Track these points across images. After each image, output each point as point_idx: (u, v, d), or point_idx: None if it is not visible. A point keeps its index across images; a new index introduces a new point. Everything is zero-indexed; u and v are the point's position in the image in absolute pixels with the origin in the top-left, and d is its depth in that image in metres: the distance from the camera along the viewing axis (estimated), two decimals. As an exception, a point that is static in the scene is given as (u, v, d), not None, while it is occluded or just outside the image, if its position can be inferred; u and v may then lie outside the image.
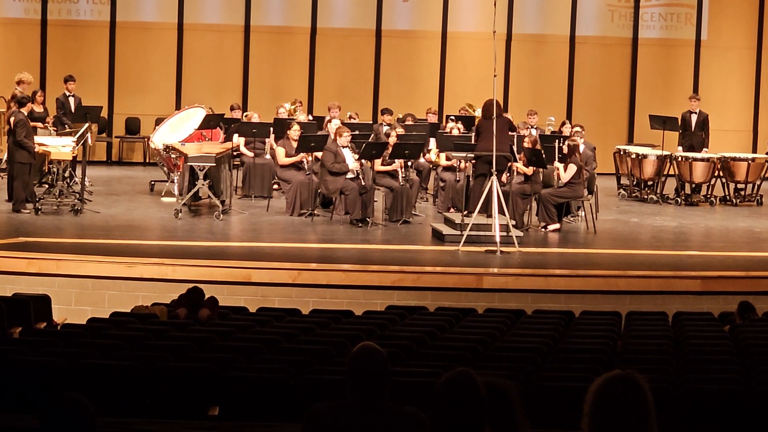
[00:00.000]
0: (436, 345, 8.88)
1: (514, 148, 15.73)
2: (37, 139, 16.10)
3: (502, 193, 14.53)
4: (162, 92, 22.12)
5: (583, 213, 16.49)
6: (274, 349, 8.41)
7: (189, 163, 16.10)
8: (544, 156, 15.71)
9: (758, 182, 19.01)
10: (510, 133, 15.71)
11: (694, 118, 19.63)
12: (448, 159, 17.05)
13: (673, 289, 12.93)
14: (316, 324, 9.77)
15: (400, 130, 17.19)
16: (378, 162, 16.13)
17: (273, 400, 7.25)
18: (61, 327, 9.93)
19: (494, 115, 14.58)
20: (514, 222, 15.09)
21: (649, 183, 19.01)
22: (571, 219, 16.59)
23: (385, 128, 17.58)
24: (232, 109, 19.57)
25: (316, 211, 16.30)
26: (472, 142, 15.83)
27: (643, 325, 10.42)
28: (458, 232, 14.53)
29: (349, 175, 15.86)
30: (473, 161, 15.40)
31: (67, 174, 16.47)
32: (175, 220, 15.60)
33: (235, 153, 17.78)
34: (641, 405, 3.72)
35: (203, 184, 16.10)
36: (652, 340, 9.53)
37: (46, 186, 16.61)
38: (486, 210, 14.80)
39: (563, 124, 19.29)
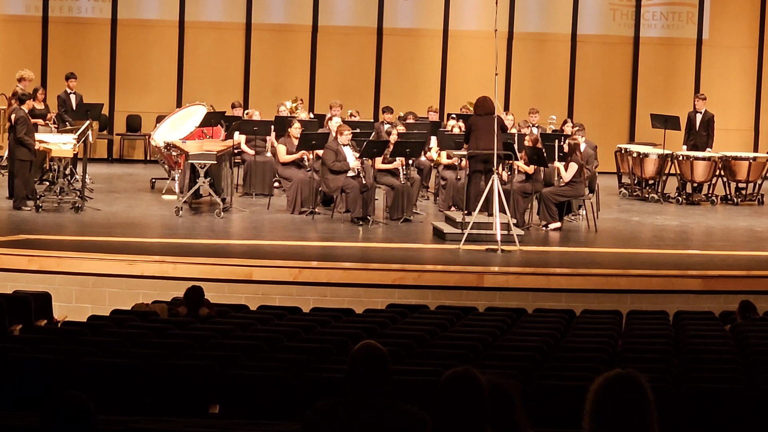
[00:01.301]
0: (437, 344, 8.87)
1: (515, 146, 15.70)
2: (38, 136, 16.10)
3: (503, 191, 14.51)
4: (163, 90, 22.12)
5: (584, 212, 16.48)
6: (274, 348, 8.41)
7: (190, 161, 16.09)
8: (545, 154, 15.70)
9: (759, 181, 18.98)
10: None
11: (699, 117, 19.53)
12: (449, 157, 17.04)
13: (674, 288, 12.91)
14: (317, 322, 9.77)
15: (401, 129, 17.18)
16: (379, 160, 16.12)
17: (273, 398, 7.24)
18: (61, 324, 9.93)
19: (494, 112, 14.53)
20: (515, 220, 15.07)
21: (650, 182, 18.99)
22: (572, 218, 16.58)
23: (386, 126, 17.56)
24: (233, 106, 19.56)
25: (317, 209, 16.29)
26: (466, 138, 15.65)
27: (644, 324, 10.41)
28: (459, 231, 14.51)
29: (350, 174, 15.85)
30: (468, 158, 15.30)
31: (68, 171, 16.46)
32: (175, 218, 15.59)
33: (236, 151, 17.77)
34: (642, 404, 3.71)
35: (204, 182, 16.10)
36: (653, 339, 9.52)
37: (47, 183, 16.59)
38: (487, 208, 14.77)
39: (564, 122, 19.27)
